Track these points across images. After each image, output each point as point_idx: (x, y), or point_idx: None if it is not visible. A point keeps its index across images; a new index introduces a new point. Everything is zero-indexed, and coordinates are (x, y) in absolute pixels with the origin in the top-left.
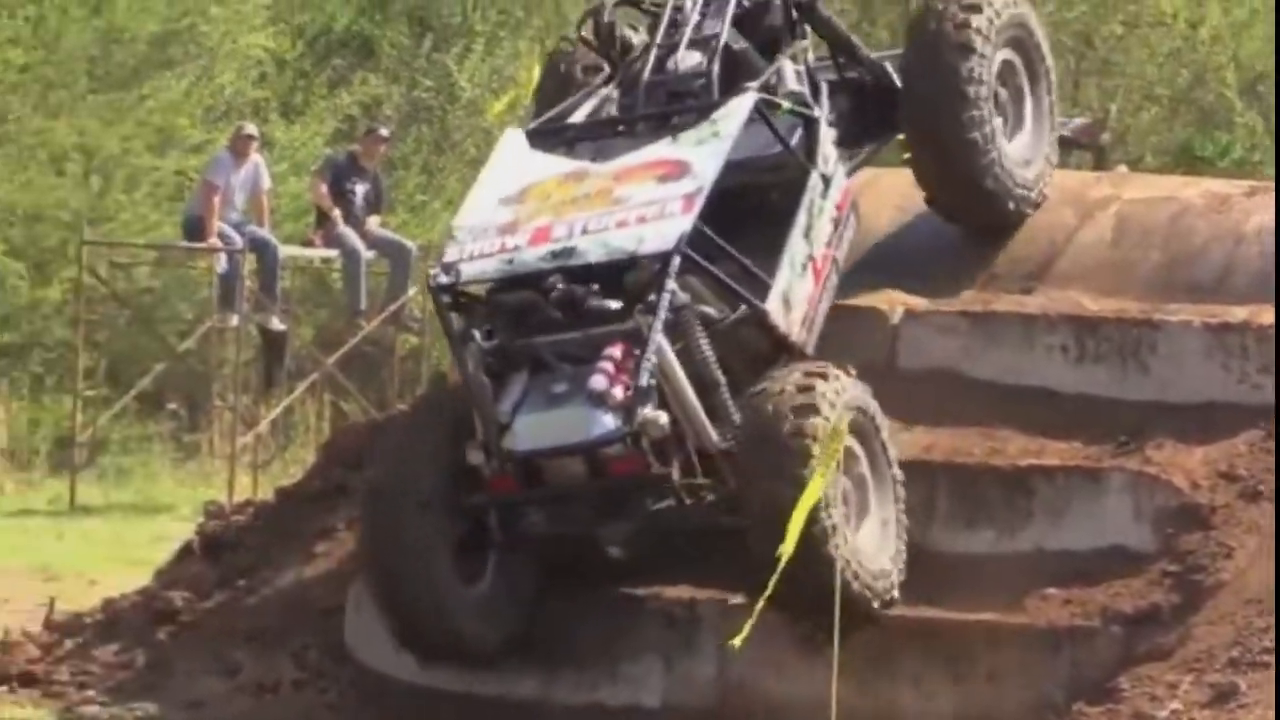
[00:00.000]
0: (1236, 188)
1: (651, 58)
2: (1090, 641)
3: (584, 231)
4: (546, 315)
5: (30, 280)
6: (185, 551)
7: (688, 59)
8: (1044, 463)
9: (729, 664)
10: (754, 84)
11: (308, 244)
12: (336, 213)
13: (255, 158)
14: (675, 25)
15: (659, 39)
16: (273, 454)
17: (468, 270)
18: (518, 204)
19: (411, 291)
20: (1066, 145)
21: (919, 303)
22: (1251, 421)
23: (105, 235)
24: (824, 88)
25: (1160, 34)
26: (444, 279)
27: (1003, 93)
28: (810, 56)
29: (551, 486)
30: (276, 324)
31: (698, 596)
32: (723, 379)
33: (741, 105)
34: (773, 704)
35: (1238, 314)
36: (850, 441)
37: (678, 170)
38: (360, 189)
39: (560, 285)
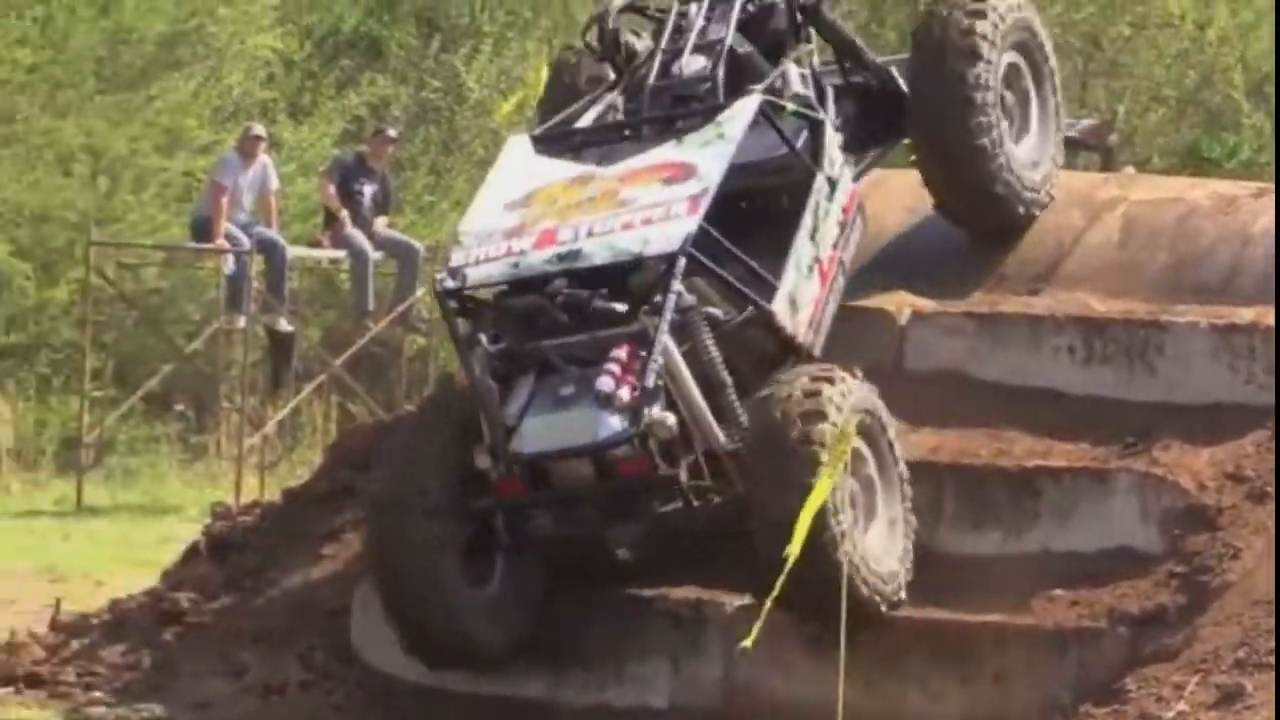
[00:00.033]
0: (1244, 189)
1: (656, 63)
2: (1097, 642)
3: (589, 234)
4: (553, 318)
5: (37, 281)
6: (192, 552)
7: (692, 63)
8: (1051, 464)
9: (736, 665)
10: (759, 87)
11: (315, 245)
12: (344, 213)
13: (263, 158)
14: (680, 30)
15: (664, 44)
16: (280, 455)
17: (474, 275)
18: (523, 208)
19: (419, 292)
20: (1074, 146)
21: (926, 304)
22: (1258, 422)
23: (113, 236)
24: (829, 92)
25: (1168, 35)
26: (450, 284)
27: (1008, 96)
28: (815, 61)
29: (559, 489)
30: (284, 325)
31: (705, 598)
32: (729, 380)
33: (746, 108)
34: (780, 705)
35: (1245, 315)
36: (857, 443)
37: (683, 172)
38: (368, 190)
39: (565, 289)
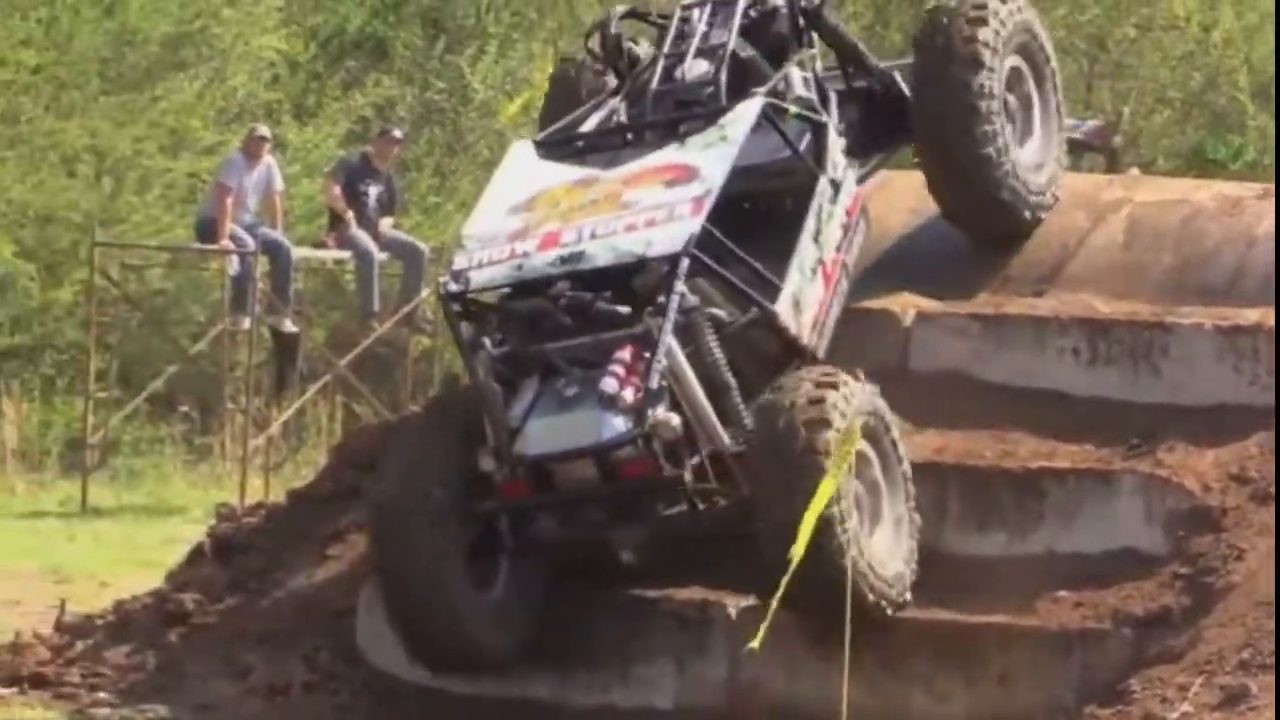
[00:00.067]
0: (1248, 191)
1: (659, 68)
2: (1101, 644)
3: (593, 236)
4: (556, 321)
5: (42, 282)
6: (197, 554)
7: (695, 68)
8: (1055, 465)
9: (741, 666)
10: (762, 89)
11: (320, 246)
12: (349, 214)
13: (268, 159)
14: (682, 36)
15: (666, 49)
16: (284, 456)
17: (477, 278)
18: (526, 211)
19: (424, 293)
20: (1079, 148)
21: (931, 305)
22: (1263, 424)
23: (117, 237)
24: (832, 97)
25: (1173, 37)
26: (454, 287)
27: (1011, 100)
28: (818, 65)
29: (563, 490)
30: (289, 326)
31: (710, 599)
32: (733, 382)
33: (749, 110)
34: (784, 706)
35: (1249, 316)
36: (862, 445)
37: (686, 174)
38: (373, 191)
39: (568, 291)
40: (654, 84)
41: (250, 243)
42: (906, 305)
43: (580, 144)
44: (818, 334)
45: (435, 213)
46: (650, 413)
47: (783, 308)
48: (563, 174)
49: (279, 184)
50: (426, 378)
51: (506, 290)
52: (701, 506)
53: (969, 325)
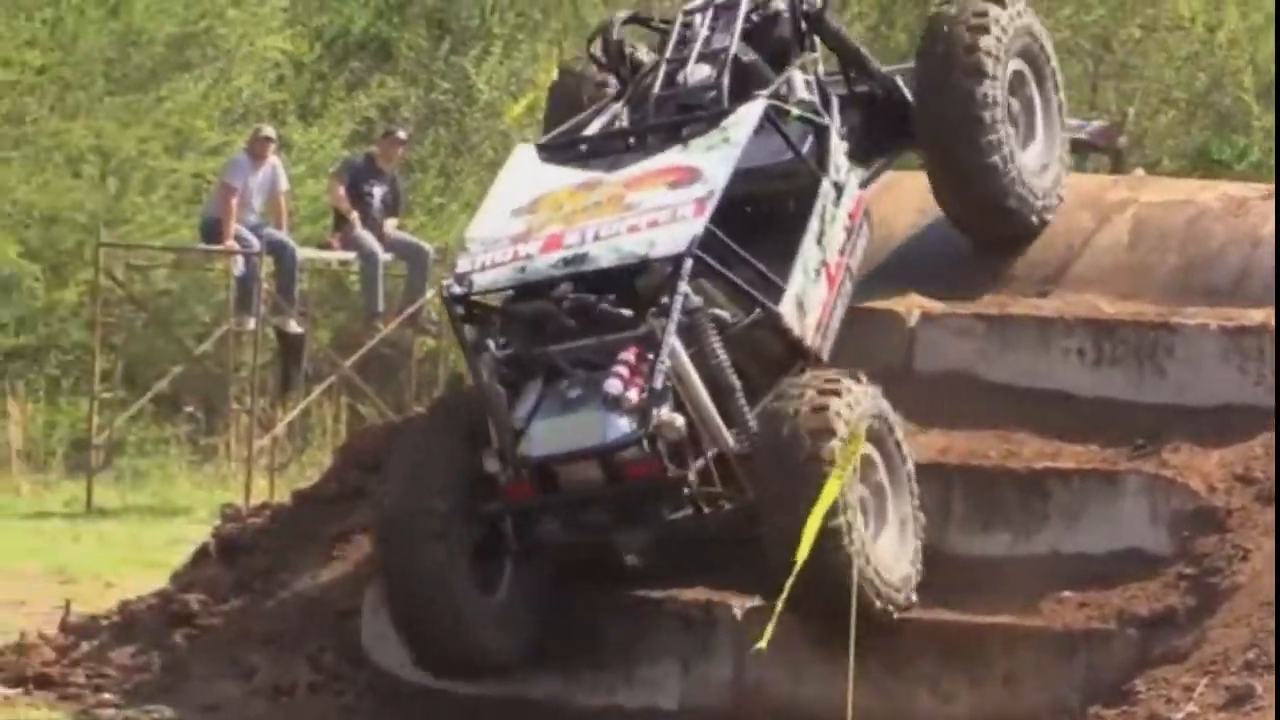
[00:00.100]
0: (1254, 191)
1: (661, 72)
2: (1106, 644)
3: (596, 238)
4: (560, 323)
5: (47, 282)
6: (201, 554)
7: (697, 72)
8: (1060, 465)
9: (746, 667)
10: (764, 92)
11: (325, 246)
12: (354, 215)
13: (273, 160)
14: (684, 41)
15: (668, 54)
16: (290, 457)
17: (480, 280)
18: (529, 214)
19: (429, 294)
20: (1084, 149)
21: (936, 305)
22: (1267, 424)
23: (122, 237)
24: (834, 101)
25: (1178, 37)
26: (457, 289)
27: (1014, 103)
28: (820, 69)
29: (567, 492)
30: (294, 326)
31: (715, 600)
32: (738, 384)
33: (752, 112)
34: (789, 707)
35: (1254, 317)
36: (867, 449)
37: (688, 176)
38: (378, 191)
39: (572, 293)
40: (656, 89)
41: (255, 243)
42: (911, 305)
43: (583, 148)
44: (821, 336)
45: (440, 213)
46: (654, 413)
47: (786, 309)
48: (565, 177)
49: (284, 185)
50: (431, 378)
51: (510, 292)
52: (707, 510)
53: (974, 326)
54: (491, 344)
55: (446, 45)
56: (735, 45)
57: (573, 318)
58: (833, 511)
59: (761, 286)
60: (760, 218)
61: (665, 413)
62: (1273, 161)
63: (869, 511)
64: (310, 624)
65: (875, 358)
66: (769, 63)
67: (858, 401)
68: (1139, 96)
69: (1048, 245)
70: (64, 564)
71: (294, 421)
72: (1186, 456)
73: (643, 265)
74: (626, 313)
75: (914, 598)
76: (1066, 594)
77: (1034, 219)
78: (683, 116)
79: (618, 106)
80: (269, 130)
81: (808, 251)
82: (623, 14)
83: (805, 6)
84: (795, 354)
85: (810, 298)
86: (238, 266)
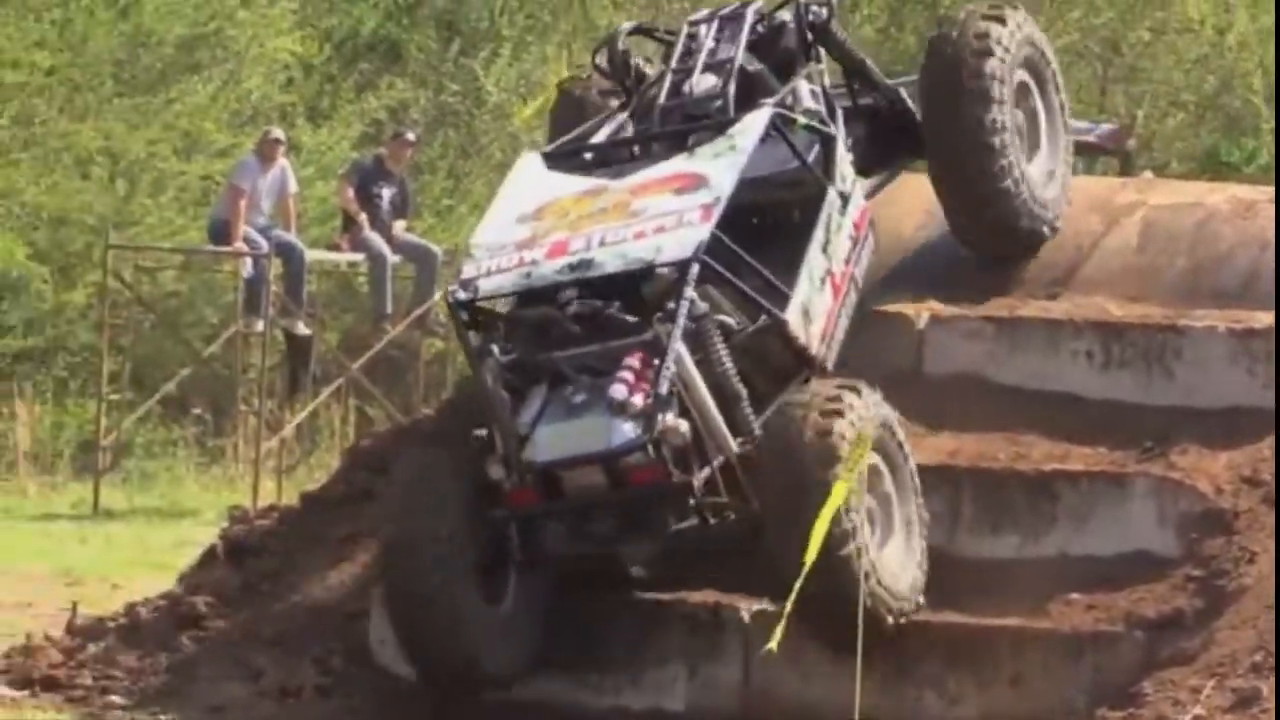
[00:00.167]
0: (1262, 193)
1: (667, 83)
2: (1113, 646)
3: (601, 244)
4: (565, 329)
5: (55, 284)
6: (209, 556)
7: (703, 82)
8: (1068, 468)
9: (753, 669)
10: (770, 100)
11: (334, 248)
12: (363, 217)
13: (282, 162)
14: (690, 52)
15: (674, 64)
16: (297, 459)
17: (486, 286)
18: (535, 220)
19: (437, 296)
20: (1093, 151)
21: (945, 308)
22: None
23: (131, 239)
24: (839, 112)
25: (1187, 40)
26: (462, 295)
27: (1019, 116)
28: (826, 80)
29: (572, 498)
30: (302, 328)
31: (722, 602)
32: (743, 392)
33: (758, 120)
34: (796, 709)
35: (1263, 319)
36: (873, 459)
37: (694, 182)
38: (386, 193)
39: (577, 299)
40: (662, 99)
41: (264, 245)
42: (920, 308)
43: (588, 156)
44: (826, 346)
45: (448, 215)
46: (659, 419)
47: (792, 316)
48: (571, 184)
49: (293, 186)
50: (439, 380)
51: (515, 298)
52: (712, 521)
53: (983, 328)
54: (496, 349)
55: (456, 47)
56: (741, 56)
57: (578, 323)
58: (841, 540)
59: (767, 294)
60: (766, 226)
61: (670, 418)
62: None
63: (876, 521)
64: (317, 626)
65: (884, 360)
66: (774, 73)
67: (862, 415)
68: (1148, 99)
69: (1056, 248)
70: (71, 566)
71: (302, 423)
72: (1194, 459)
73: (648, 271)
74: (632, 319)
75: (922, 600)
76: (1074, 596)
77: (1045, 230)
78: (689, 125)
79: (622, 117)
80: (278, 132)
81: (813, 260)
82: (628, 25)
83: (811, 17)
84: (800, 362)
85: (815, 306)
86: (246, 268)
